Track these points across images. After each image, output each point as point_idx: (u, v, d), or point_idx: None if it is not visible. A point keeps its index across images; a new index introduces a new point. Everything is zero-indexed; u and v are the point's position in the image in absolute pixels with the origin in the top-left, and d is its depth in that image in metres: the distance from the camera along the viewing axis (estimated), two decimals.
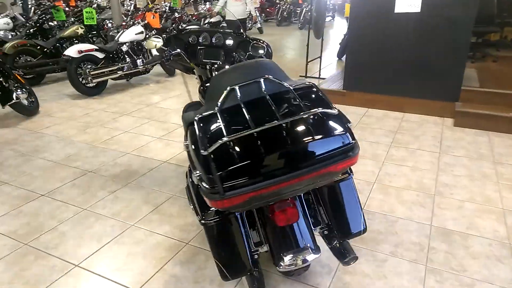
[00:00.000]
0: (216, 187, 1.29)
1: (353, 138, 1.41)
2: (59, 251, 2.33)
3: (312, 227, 1.81)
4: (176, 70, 6.93)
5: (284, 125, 1.38)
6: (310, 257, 1.66)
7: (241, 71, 1.65)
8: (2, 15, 7.62)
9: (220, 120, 1.44)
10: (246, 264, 1.69)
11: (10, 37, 7.16)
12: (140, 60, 6.04)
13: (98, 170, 3.33)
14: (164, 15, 8.41)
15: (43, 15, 6.90)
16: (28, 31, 6.85)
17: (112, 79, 5.82)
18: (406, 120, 4.47)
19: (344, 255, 1.77)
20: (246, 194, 1.31)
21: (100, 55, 5.55)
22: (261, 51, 2.63)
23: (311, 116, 1.38)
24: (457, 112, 4.26)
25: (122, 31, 5.95)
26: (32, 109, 4.74)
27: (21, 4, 10.73)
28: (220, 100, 1.54)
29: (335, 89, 5.14)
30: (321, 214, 1.82)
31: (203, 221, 1.68)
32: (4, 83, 4.31)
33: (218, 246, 1.68)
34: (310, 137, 1.34)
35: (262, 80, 1.57)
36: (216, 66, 2.74)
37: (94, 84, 5.54)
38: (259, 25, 12.51)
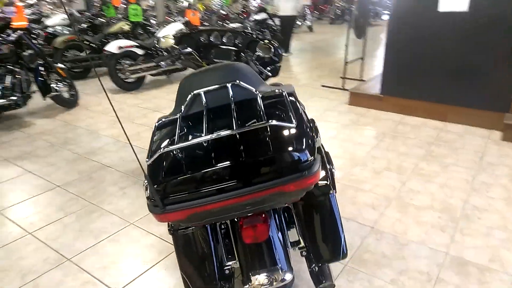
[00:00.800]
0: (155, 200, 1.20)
1: (313, 155, 1.24)
2: (57, 244, 2.38)
3: (290, 246, 1.67)
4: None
5: (235, 137, 1.26)
6: (280, 279, 1.53)
7: (211, 74, 1.55)
8: (59, 11, 8.13)
9: (176, 127, 1.35)
10: (211, 278, 1.60)
11: (66, 32, 7.62)
12: None
13: (115, 165, 3.40)
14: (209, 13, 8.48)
15: (95, 12, 7.26)
16: (80, 27, 7.24)
17: (151, 75, 5.97)
18: (446, 131, 4.08)
19: (320, 280, 1.61)
20: (188, 210, 1.21)
21: (139, 51, 5.71)
22: (267, 52, 2.51)
23: (268, 128, 1.24)
24: (507, 125, 3.81)
25: (161, 27, 6.07)
26: (71, 101, 4.99)
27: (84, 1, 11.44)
28: (183, 105, 1.46)
29: (371, 93, 4.83)
30: (299, 233, 1.68)
31: (171, 231, 1.61)
32: (45, 77, 4.56)
33: (184, 257, 1.61)
34: (259, 152, 1.20)
35: (229, 85, 1.46)
36: None
37: (132, 80, 5.71)
38: (309, 23, 12.23)
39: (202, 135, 1.25)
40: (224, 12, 9.41)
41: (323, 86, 5.93)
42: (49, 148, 3.80)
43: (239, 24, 8.09)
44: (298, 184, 1.21)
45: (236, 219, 1.59)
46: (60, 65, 4.84)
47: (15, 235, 2.47)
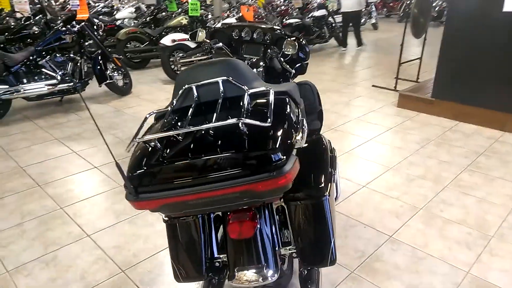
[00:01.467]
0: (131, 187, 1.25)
1: (286, 156, 1.20)
2: (82, 220, 2.57)
3: (280, 246, 1.64)
4: None
5: (209, 132, 1.26)
6: (264, 277, 1.51)
7: (207, 69, 1.56)
8: (128, 5, 8.66)
9: (165, 120, 1.39)
10: (198, 270, 1.62)
11: (132, 24, 8.11)
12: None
13: None
14: (269, 8, 8.50)
15: (158, 6, 7.63)
16: (144, 20, 7.66)
17: None
18: (501, 141, 3.71)
19: (306, 285, 1.56)
20: (159, 200, 1.23)
21: (192, 44, 5.89)
22: (291, 49, 2.47)
23: (241, 126, 1.22)
24: None
25: (216, 22, 6.21)
26: (124, 89, 5.31)
27: None
28: (176, 99, 1.49)
29: (422, 96, 4.53)
30: (290, 234, 1.63)
31: (164, 218, 1.66)
32: (102, 65, 4.90)
33: (174, 246, 1.65)
34: (227, 149, 1.19)
35: (220, 81, 1.46)
36: (249, 62, 2.68)
37: None
38: (373, 21, 11.75)
39: (184, 128, 1.27)
40: (284, 8, 9.37)
41: (373, 86, 5.68)
42: (95, 131, 4.08)
43: (297, 20, 8.01)
44: (267, 184, 1.18)
45: (228, 213, 1.59)
46: (116, 55, 5.17)
47: (48, 208, 2.71)
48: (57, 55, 4.62)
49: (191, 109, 1.41)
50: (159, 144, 1.28)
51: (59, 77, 4.54)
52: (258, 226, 1.58)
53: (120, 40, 6.49)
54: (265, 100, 1.40)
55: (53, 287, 2.00)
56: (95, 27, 4.95)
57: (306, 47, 2.67)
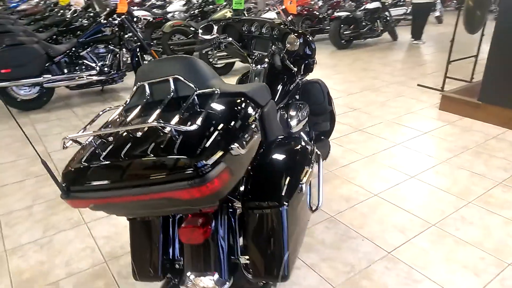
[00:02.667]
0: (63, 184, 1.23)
1: (213, 163, 1.10)
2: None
3: (239, 255, 1.55)
4: None
5: (140, 134, 1.20)
6: (213, 286, 1.45)
7: (164, 65, 1.49)
8: None
9: (110, 118, 1.37)
10: (155, 270, 1.59)
11: (182, 17, 8.30)
12: None
13: None
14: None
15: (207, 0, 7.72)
16: (192, 13, 7.80)
17: (241, 61, 6.12)
18: None
19: None
20: (86, 200, 1.21)
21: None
22: (292, 46, 2.34)
23: (169, 129, 1.15)
24: None
25: (257, 15, 6.12)
26: None
27: None
28: (129, 96, 1.45)
29: (466, 98, 4.09)
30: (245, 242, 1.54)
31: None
32: (140, 57, 5.07)
33: (134, 243, 1.64)
34: (152, 153, 1.11)
35: (171, 79, 1.39)
36: (255, 58, 2.58)
37: (221, 65, 5.95)
38: (437, 14, 10.91)
39: (111, 128, 1.23)
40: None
41: (419, 85, 5.26)
42: None
43: (346, 13, 7.66)
44: (187, 192, 1.10)
45: (184, 216, 1.55)
46: (154, 48, 5.30)
47: (59, 193, 2.84)
48: (98, 46, 4.86)
49: (138, 107, 1.37)
50: (94, 143, 1.25)
51: (98, 68, 4.77)
52: (213, 231, 1.51)
53: (165, 32, 6.66)
54: (208, 102, 1.31)
55: (38, 271, 2.10)
56: (134, 19, 5.11)
57: (312, 44, 2.51)
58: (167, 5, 9.13)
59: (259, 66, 2.52)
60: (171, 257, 1.65)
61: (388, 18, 8.32)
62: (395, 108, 4.41)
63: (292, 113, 2.45)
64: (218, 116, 1.24)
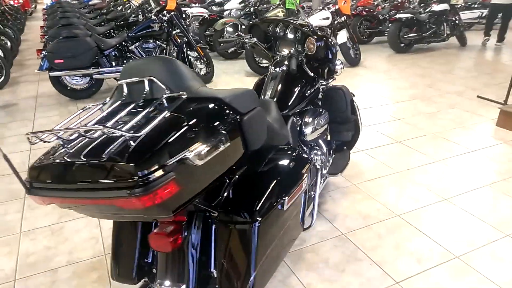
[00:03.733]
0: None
1: (156, 173, 1.03)
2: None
3: (212, 268, 1.47)
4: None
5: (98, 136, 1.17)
6: None
7: (144, 65, 1.45)
8: None
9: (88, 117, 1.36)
10: (129, 272, 1.58)
11: (238, 15, 8.35)
12: None
13: None
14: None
15: None
16: (248, 11, 7.80)
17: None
18: None
19: None
20: (45, 198, 1.20)
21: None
22: (311, 49, 2.20)
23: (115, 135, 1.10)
24: None
25: (310, 15, 5.96)
26: (206, 78, 5.50)
27: None
28: (110, 95, 1.43)
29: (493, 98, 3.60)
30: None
31: None
32: (186, 54, 5.16)
33: (113, 244, 1.63)
34: (99, 157, 1.07)
35: (146, 80, 1.34)
36: (276, 60, 2.48)
37: (267, 65, 5.87)
38: None
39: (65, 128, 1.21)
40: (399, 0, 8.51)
41: (478, 97, 4.76)
42: None
43: (408, 15, 7.18)
44: (125, 202, 1.04)
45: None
46: (201, 44, 5.37)
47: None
48: (147, 41, 5.02)
49: (112, 107, 1.35)
50: (60, 142, 1.24)
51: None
52: (187, 241, 1.45)
53: (217, 30, 6.73)
54: (175, 106, 1.24)
55: (43, 256, 2.19)
56: (183, 16, 5.21)
57: (333, 48, 2.35)
58: (226, 2, 9.24)
59: (277, 69, 2.42)
60: (150, 261, 1.63)
61: (456, 21, 7.67)
62: (445, 121, 4.03)
63: (308, 120, 2.31)
64: (177, 123, 1.17)
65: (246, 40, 2.62)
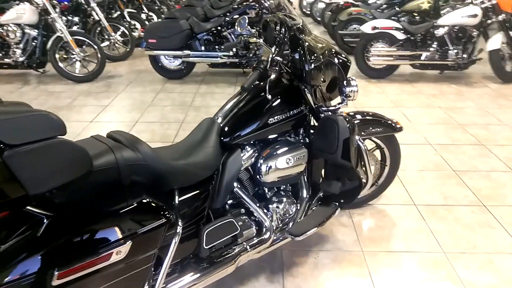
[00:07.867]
0: None
1: None
2: None
3: None
4: None
5: None
6: None
7: None
8: None
9: None
10: None
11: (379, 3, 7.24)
12: (457, 51, 4.61)
13: None
14: None
15: None
16: (390, 1, 6.67)
17: (411, 65, 4.89)
18: None
19: None
20: None
21: (400, 35, 4.70)
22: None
23: None
24: None
25: (449, 10, 4.67)
26: None
27: None
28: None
29: None
30: None
31: None
32: None
33: None
34: None
35: None
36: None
37: (380, 67, 4.90)
38: None
39: None
40: None
41: None
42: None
43: None
44: None
45: None
46: None
47: None
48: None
49: None
50: None
51: (234, 50, 4.69)
52: None
53: (341, 20, 5.97)
54: None
55: None
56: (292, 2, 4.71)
57: (340, 58, 1.72)
58: None
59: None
60: None
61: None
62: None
63: (268, 155, 1.70)
64: None
65: (250, 40, 2.11)
